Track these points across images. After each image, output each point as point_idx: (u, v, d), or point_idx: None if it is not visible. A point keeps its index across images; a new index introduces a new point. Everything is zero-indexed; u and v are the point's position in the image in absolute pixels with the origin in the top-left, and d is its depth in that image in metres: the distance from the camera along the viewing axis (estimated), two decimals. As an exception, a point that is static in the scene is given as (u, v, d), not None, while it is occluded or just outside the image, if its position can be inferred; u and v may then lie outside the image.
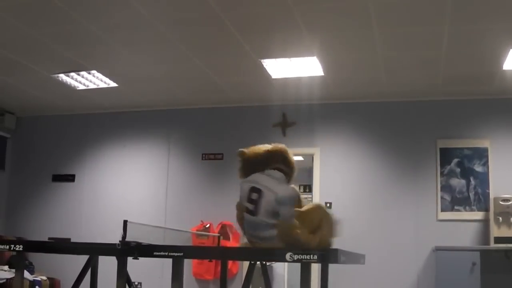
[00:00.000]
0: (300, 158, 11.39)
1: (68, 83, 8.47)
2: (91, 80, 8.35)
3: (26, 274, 8.43)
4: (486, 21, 6.00)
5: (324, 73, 7.66)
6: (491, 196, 7.96)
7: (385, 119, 8.73)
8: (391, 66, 7.44)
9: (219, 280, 5.39)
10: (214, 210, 8.85)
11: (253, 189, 4.10)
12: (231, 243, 8.50)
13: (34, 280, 8.80)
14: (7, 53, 7.38)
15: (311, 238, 3.83)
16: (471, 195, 8.18)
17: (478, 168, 8.22)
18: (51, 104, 9.74)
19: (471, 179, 8.22)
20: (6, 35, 6.82)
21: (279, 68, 7.58)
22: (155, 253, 3.94)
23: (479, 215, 8.09)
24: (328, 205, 8.21)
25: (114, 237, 4.32)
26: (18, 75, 8.31)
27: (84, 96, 9.14)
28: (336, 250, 3.54)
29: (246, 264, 7.44)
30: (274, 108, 9.11)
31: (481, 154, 8.22)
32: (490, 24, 6.06)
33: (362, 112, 8.83)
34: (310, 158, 9.12)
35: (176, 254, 3.89)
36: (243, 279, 4.87)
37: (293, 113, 9.05)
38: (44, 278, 9.08)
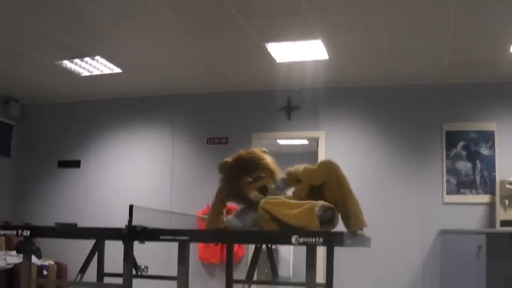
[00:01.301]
0: (305, 141, 11.46)
1: (72, 69, 8.49)
2: (95, 66, 8.36)
3: (34, 259, 8.52)
4: (493, 4, 5.97)
5: (329, 56, 7.66)
6: (497, 179, 7.96)
7: (390, 103, 8.73)
8: (396, 50, 7.43)
9: (225, 264, 5.43)
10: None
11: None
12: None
13: (41, 265, 8.88)
14: (10, 41, 7.39)
15: None
16: (477, 178, 8.18)
17: (485, 151, 8.22)
18: (56, 91, 9.77)
19: (477, 162, 8.22)
20: (8, 23, 6.83)
21: (283, 52, 7.57)
22: (161, 237, 3.98)
23: (485, 198, 8.09)
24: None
25: (120, 222, 4.35)
26: (22, 63, 8.32)
27: (88, 82, 9.16)
28: (341, 233, 3.57)
29: (251, 247, 7.48)
30: (278, 92, 9.13)
31: (488, 137, 8.21)
32: (497, 7, 6.03)
33: (368, 96, 8.84)
34: (315, 142, 9.15)
35: (182, 238, 3.93)
36: (249, 262, 4.90)
37: (298, 97, 9.07)
38: (52, 262, 9.16)
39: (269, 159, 4.48)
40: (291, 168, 4.38)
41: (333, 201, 3.96)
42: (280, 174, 4.46)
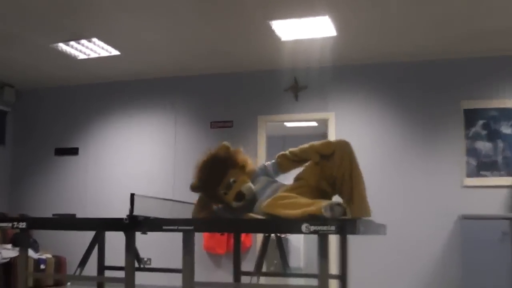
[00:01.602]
0: (314, 123, 11.41)
1: (68, 52, 8.45)
2: (91, 48, 8.32)
3: (31, 252, 8.50)
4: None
5: (337, 33, 7.57)
6: (521, 160, 7.91)
7: (404, 81, 8.65)
8: (408, 23, 7.33)
9: (232, 254, 5.39)
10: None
11: None
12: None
13: (39, 258, 8.87)
14: (3, 23, 7.34)
15: None
16: (499, 159, 8.09)
17: (506, 130, 8.12)
18: (52, 75, 9.74)
19: (499, 142, 8.12)
20: (0, 5, 6.78)
21: (288, 29, 7.49)
22: (164, 227, 3.92)
23: (508, 180, 8.01)
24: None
25: (121, 212, 4.31)
26: (15, 47, 8.28)
27: (86, 66, 9.12)
28: (355, 220, 3.51)
29: (260, 237, 7.44)
30: (284, 72, 9.07)
31: (509, 115, 8.11)
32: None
33: (379, 74, 8.76)
34: (324, 123, 9.09)
35: (186, 227, 3.88)
36: (257, 252, 4.86)
37: (305, 77, 9.01)
38: (50, 256, 9.15)
39: (229, 157, 4.27)
40: (284, 152, 4.28)
41: (341, 178, 3.88)
42: (251, 163, 4.36)
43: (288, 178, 4.19)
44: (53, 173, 10.10)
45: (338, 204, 3.55)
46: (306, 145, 4.10)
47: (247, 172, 4.25)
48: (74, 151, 10.03)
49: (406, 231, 8.14)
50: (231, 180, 4.15)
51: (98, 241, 5.08)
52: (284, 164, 4.26)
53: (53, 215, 5.07)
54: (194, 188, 4.29)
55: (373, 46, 8.19)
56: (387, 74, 8.73)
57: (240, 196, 4.11)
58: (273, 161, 4.32)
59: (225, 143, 4.34)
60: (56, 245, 9.38)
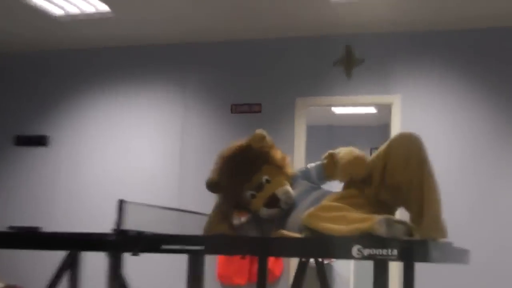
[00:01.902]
0: (372, 109, 11.37)
1: (42, 7, 8.49)
2: (72, 2, 8.35)
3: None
4: None
5: (406, -13, 7.56)
6: None
7: (495, 54, 8.61)
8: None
9: (256, 285, 5.36)
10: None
11: None
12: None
13: (-14, 289, 8.95)
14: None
15: None
16: None
17: None
18: (17, 37, 9.84)
19: None
20: None
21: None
22: (163, 247, 3.91)
23: None
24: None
25: (105, 225, 4.30)
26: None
27: (64, 26, 9.19)
28: (425, 242, 3.44)
29: (293, 262, 7.41)
30: (334, 40, 9.09)
31: None
32: None
33: (463, 44, 8.73)
34: (386, 110, 9.06)
35: (194, 247, 3.86)
36: (290, 283, 4.83)
37: (362, 47, 9.02)
38: (1, 286, 9.19)
39: (265, 149, 4.27)
40: (333, 151, 4.20)
41: (407, 187, 3.80)
42: (288, 164, 4.32)
43: (334, 185, 4.14)
44: (12, 170, 10.21)
45: (399, 221, 3.48)
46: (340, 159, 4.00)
47: (285, 173, 4.22)
48: (42, 141, 10.10)
49: (498, 261, 8.10)
50: (264, 178, 4.13)
51: (71, 265, 5.07)
52: (333, 168, 4.21)
53: (9, 228, 5.04)
54: (211, 184, 4.27)
55: (455, 6, 8.11)
56: (476, 44, 8.69)
57: (273, 201, 4.08)
58: (318, 162, 4.28)
59: (260, 131, 4.31)
60: (11, 271, 9.48)
